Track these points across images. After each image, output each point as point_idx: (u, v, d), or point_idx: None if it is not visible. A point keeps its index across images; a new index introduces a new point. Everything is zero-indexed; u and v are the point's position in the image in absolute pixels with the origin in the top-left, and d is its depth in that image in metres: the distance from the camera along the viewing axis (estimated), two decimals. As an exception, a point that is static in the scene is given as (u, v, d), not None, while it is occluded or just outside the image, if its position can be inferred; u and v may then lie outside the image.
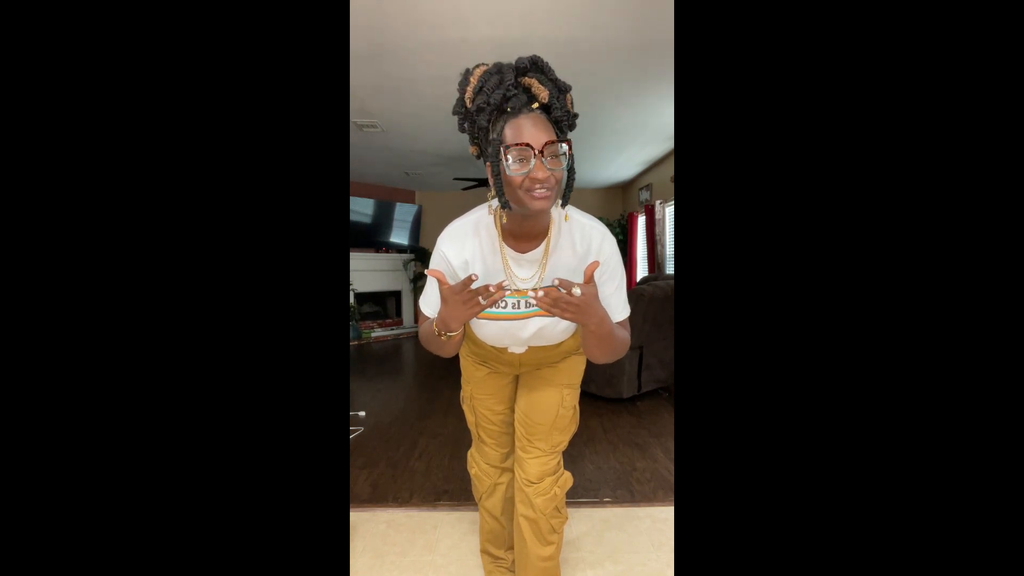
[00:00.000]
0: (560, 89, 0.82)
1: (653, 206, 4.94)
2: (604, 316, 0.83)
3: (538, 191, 0.78)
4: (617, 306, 0.94)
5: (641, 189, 5.47)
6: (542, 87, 0.80)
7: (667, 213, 4.78)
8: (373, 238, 5.89)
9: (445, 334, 0.87)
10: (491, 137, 0.82)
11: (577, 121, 0.89)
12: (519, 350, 1.07)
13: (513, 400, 1.22)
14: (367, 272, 5.77)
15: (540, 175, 0.77)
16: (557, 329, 0.99)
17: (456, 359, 1.22)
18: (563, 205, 0.89)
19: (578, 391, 1.19)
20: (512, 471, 1.25)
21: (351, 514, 1.72)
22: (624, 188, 6.43)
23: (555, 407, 1.14)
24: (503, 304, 0.96)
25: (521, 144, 0.76)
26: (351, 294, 5.50)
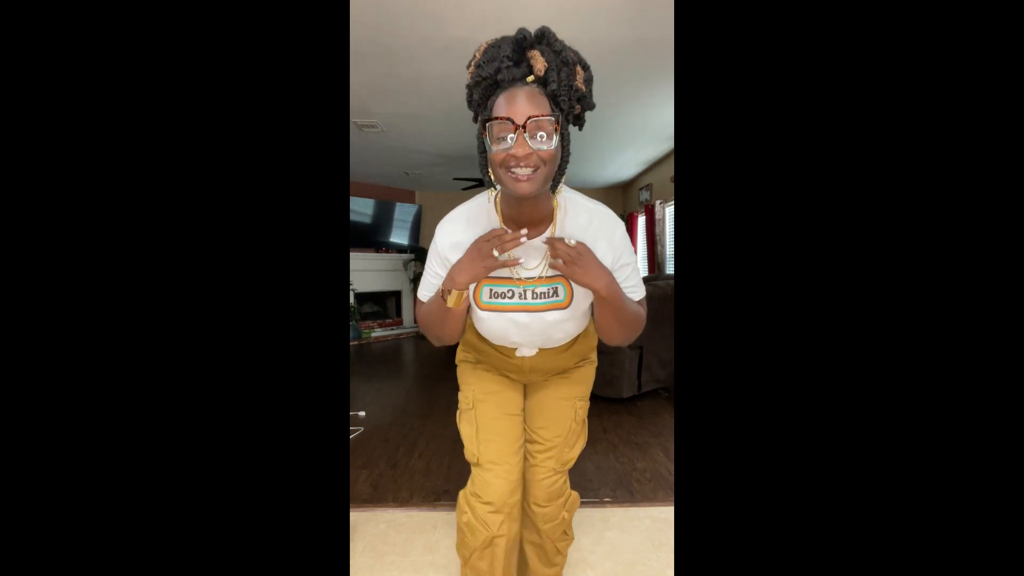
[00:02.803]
0: (565, 62, 0.74)
1: (653, 206, 4.94)
2: (611, 279, 0.80)
3: (519, 171, 0.71)
4: (633, 288, 0.89)
5: (641, 189, 5.47)
6: (541, 58, 0.72)
7: (667, 213, 4.78)
8: (373, 238, 5.89)
9: (447, 293, 0.82)
10: (484, 113, 0.76)
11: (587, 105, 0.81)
12: (529, 352, 0.97)
13: (522, 409, 1.08)
14: (367, 272, 5.77)
15: (519, 152, 0.69)
16: (569, 324, 0.92)
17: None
18: (552, 189, 0.81)
19: (588, 403, 1.09)
20: (518, 520, 1.03)
21: (351, 514, 1.72)
22: (624, 188, 6.42)
23: (568, 421, 1.04)
24: (508, 294, 0.89)
25: (501, 117, 0.69)
26: (351, 294, 5.50)
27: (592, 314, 0.94)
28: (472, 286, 0.87)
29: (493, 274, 0.87)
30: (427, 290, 0.92)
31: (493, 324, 0.91)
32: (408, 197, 6.39)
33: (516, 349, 0.97)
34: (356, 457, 2.22)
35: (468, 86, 0.77)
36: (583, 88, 0.76)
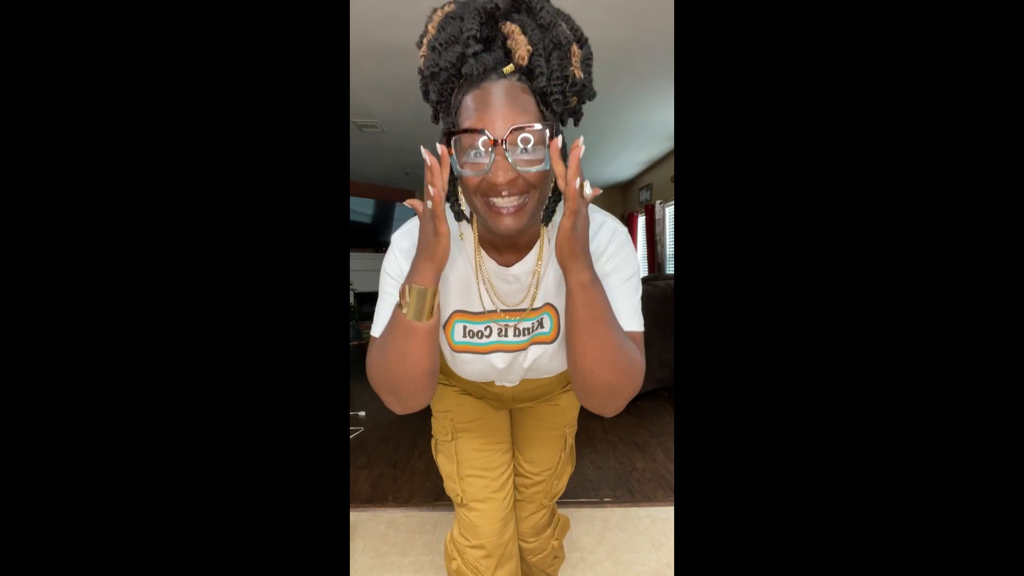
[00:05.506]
0: (556, 43, 0.54)
1: (653, 206, 4.94)
2: (595, 279, 0.58)
3: (501, 202, 0.54)
4: (624, 311, 0.65)
5: (641, 189, 5.47)
6: (522, 38, 0.52)
7: (667, 213, 4.79)
8: (373, 238, 5.89)
9: (408, 292, 0.57)
10: (447, 118, 0.57)
11: (585, 104, 0.61)
12: (511, 384, 0.83)
13: (509, 435, 0.94)
14: (367, 272, 5.77)
15: (501, 177, 0.52)
16: (556, 360, 0.75)
17: None
18: (546, 220, 0.62)
19: (576, 425, 0.98)
20: (516, 557, 0.91)
21: (351, 514, 1.72)
22: (624, 188, 6.43)
23: (558, 452, 0.93)
24: (486, 331, 0.70)
25: (472, 129, 0.52)
26: (351, 294, 5.50)
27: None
28: (443, 321, 0.70)
29: (468, 308, 0.70)
30: (383, 326, 0.68)
31: (469, 368, 0.76)
32: (408, 197, 6.38)
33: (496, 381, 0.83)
34: (356, 457, 2.22)
35: (421, 74, 0.57)
36: (580, 75, 0.56)
